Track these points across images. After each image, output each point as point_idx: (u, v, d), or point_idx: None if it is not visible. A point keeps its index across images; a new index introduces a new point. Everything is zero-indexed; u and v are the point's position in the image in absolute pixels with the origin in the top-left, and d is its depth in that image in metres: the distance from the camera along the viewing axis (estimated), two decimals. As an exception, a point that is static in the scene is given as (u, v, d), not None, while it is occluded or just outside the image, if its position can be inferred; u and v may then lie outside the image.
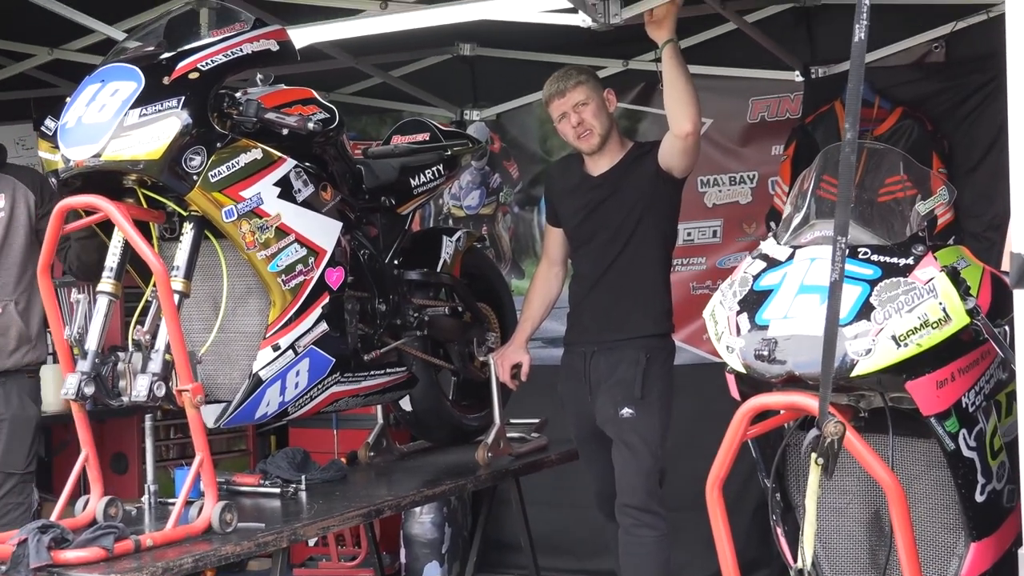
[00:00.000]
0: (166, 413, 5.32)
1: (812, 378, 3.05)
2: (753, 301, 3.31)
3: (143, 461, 5.79)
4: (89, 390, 3.52)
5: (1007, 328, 3.33)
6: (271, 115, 3.73)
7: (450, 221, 6.88)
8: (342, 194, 4.06)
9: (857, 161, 3.21)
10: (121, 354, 3.60)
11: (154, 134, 3.49)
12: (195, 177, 3.55)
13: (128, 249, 3.62)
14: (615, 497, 4.45)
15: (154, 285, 3.55)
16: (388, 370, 4.36)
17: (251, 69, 3.86)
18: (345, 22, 4.93)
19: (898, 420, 3.31)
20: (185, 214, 3.65)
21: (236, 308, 3.83)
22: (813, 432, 2.97)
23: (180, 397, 3.54)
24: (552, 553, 5.95)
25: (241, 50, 3.73)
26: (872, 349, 3.10)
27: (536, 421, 5.21)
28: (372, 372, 4.26)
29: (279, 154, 3.79)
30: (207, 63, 3.64)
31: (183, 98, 3.53)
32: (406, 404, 4.77)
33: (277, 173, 3.78)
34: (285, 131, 3.78)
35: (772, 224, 5.50)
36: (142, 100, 3.53)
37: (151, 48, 3.75)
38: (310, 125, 3.81)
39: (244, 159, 3.68)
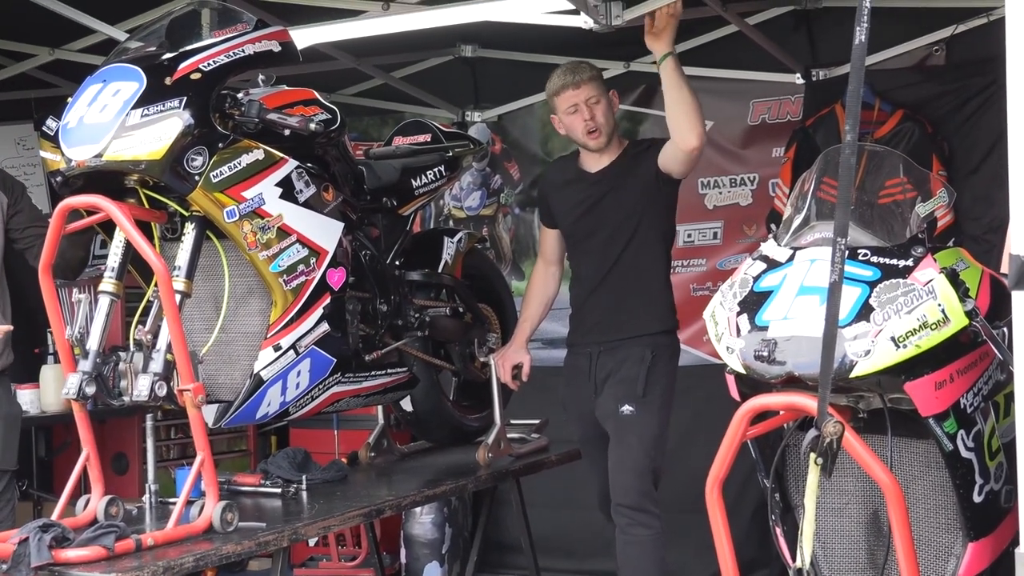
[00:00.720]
0: (167, 413, 5.33)
1: (811, 379, 3.06)
2: (753, 302, 3.32)
3: (143, 461, 5.82)
4: (90, 390, 3.53)
5: (1005, 330, 3.35)
6: (273, 116, 3.74)
7: (451, 222, 6.89)
8: (344, 195, 4.07)
9: (857, 163, 3.22)
10: (122, 354, 3.60)
11: (156, 134, 3.50)
12: (197, 177, 3.56)
13: (130, 249, 3.62)
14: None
15: (155, 285, 3.56)
16: (389, 370, 4.37)
17: (253, 70, 3.87)
18: (347, 23, 4.95)
19: (897, 421, 3.32)
20: (187, 214, 3.66)
21: (237, 308, 3.84)
22: (812, 432, 2.98)
23: (181, 397, 3.54)
24: (552, 554, 5.96)
25: (243, 51, 3.74)
26: (871, 350, 3.11)
27: (537, 422, 5.21)
28: (373, 372, 4.27)
29: (281, 155, 3.79)
30: (209, 64, 3.64)
31: (185, 98, 3.54)
32: (407, 404, 4.78)
33: (279, 174, 3.78)
34: (287, 132, 3.79)
35: (772, 226, 5.51)
36: (144, 100, 3.53)
37: (153, 48, 3.76)
38: (312, 126, 3.81)
39: (246, 159, 3.69)
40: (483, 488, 5.03)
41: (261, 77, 3.92)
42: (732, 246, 6.19)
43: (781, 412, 3.33)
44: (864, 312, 3.16)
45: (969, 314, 3.20)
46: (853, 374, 3.12)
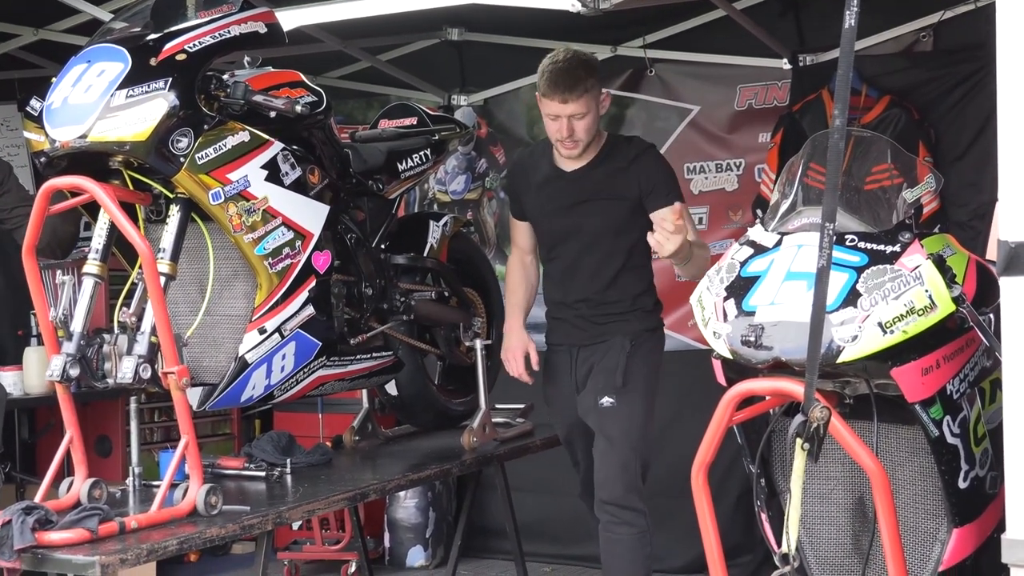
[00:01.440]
0: (150, 396, 5.33)
1: (798, 364, 3.06)
2: (740, 287, 3.32)
3: (127, 444, 5.80)
4: (74, 372, 3.52)
5: (992, 316, 3.35)
6: (259, 97, 3.72)
7: (435, 206, 6.88)
8: (329, 178, 4.06)
9: (844, 149, 3.22)
10: (107, 336, 3.59)
11: (141, 115, 3.48)
12: (182, 159, 3.54)
13: (114, 231, 3.60)
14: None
15: (140, 267, 3.54)
16: (374, 354, 4.36)
17: (239, 51, 3.85)
18: (333, 5, 4.93)
19: (883, 407, 3.33)
20: (172, 196, 3.64)
21: (222, 291, 3.83)
22: (799, 418, 2.98)
23: (166, 379, 3.53)
24: (536, 539, 5.97)
25: (229, 32, 3.72)
26: (858, 336, 3.11)
27: (522, 406, 5.21)
28: (358, 356, 4.26)
29: (266, 137, 3.78)
30: (194, 45, 3.62)
31: (170, 80, 3.52)
32: (392, 388, 4.77)
33: (264, 156, 3.77)
34: (273, 114, 3.77)
35: (759, 212, 5.52)
36: (129, 81, 3.51)
37: (138, 29, 3.73)
38: (298, 108, 3.80)
39: (231, 141, 3.67)
40: (468, 472, 5.03)
41: (247, 59, 3.89)
42: (717, 231, 6.18)
43: (767, 397, 3.33)
44: (851, 298, 3.16)
45: (956, 300, 3.20)
46: (840, 360, 3.12)
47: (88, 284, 3.59)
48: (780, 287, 3.24)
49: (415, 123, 4.72)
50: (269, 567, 3.74)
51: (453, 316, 4.88)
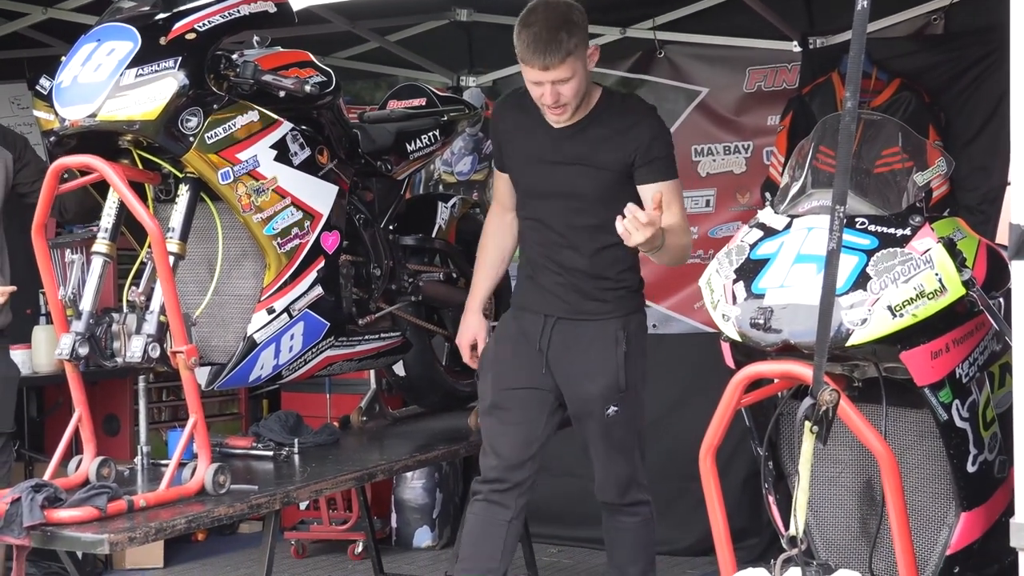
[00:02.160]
0: (158, 375, 5.34)
1: (807, 347, 3.05)
2: (750, 270, 3.31)
3: (135, 423, 5.82)
4: (83, 350, 3.52)
5: (1001, 300, 3.35)
6: (268, 77, 3.72)
7: (440, 187, 6.87)
8: (338, 158, 4.05)
9: (855, 131, 3.20)
10: (115, 315, 3.60)
11: (150, 95, 3.48)
12: (191, 138, 3.54)
13: (123, 210, 3.61)
14: (530, 463, 4.07)
15: (149, 246, 3.55)
16: (382, 335, 4.36)
17: (248, 31, 3.84)
18: (342, -15, 4.91)
19: (892, 390, 3.32)
20: (181, 176, 3.64)
21: (231, 271, 3.83)
22: (808, 401, 2.98)
23: (174, 359, 3.54)
24: (542, 520, 5.97)
25: (238, 11, 3.71)
26: (868, 319, 3.10)
27: (529, 388, 5.19)
28: (366, 337, 4.26)
29: (276, 117, 3.78)
30: (204, 24, 3.62)
31: (180, 59, 3.52)
32: (399, 369, 4.78)
33: (274, 136, 3.77)
34: (282, 93, 3.76)
35: (768, 195, 5.50)
36: (138, 60, 3.51)
37: (147, 8, 3.72)
38: (307, 88, 3.79)
39: (240, 121, 3.67)
40: (475, 453, 5.03)
41: (256, 38, 3.89)
42: (724, 214, 6.18)
43: (776, 380, 3.32)
44: (861, 281, 3.15)
45: (966, 284, 3.19)
46: (849, 343, 3.12)
47: (97, 263, 3.59)
48: (790, 270, 3.23)
49: (424, 104, 4.71)
50: (276, 547, 3.74)
51: (461, 297, 4.85)
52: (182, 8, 3.66)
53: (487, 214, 4.34)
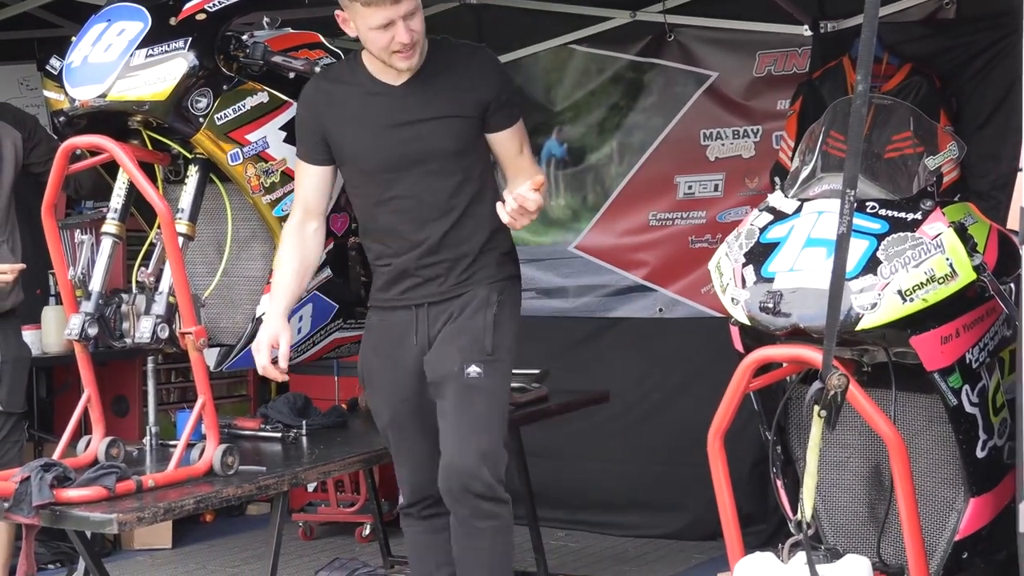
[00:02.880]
0: (167, 356, 5.35)
1: (817, 331, 3.05)
2: (759, 253, 3.31)
3: (144, 404, 5.81)
4: (93, 331, 3.53)
5: (1012, 285, 3.34)
6: (278, 58, 3.72)
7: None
8: (347, 140, 4.04)
9: (866, 115, 3.19)
10: (125, 296, 3.61)
11: (160, 75, 3.48)
12: (201, 119, 3.55)
13: (133, 191, 3.61)
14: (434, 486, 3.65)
15: (158, 227, 3.55)
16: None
17: (258, 12, 3.84)
18: (352, -33, 4.88)
19: (901, 375, 3.32)
20: (190, 156, 3.65)
21: (240, 252, 3.84)
22: (816, 385, 2.97)
23: (183, 340, 3.55)
24: (550, 504, 5.98)
25: (250, -8, 3.72)
26: (878, 303, 3.09)
27: (537, 372, 5.21)
28: (375, 319, 4.26)
29: (285, 98, 3.78)
30: (214, 4, 3.63)
31: (190, 39, 3.52)
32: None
33: (283, 117, 3.77)
34: (292, 75, 3.76)
35: (777, 180, 5.48)
36: (148, 40, 3.51)
37: (157, -12, 3.73)
38: (317, 69, 3.79)
39: (250, 102, 3.68)
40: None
41: (266, 19, 3.89)
42: (733, 198, 6.15)
43: (785, 364, 3.32)
44: (871, 265, 3.15)
45: (977, 269, 3.18)
46: (859, 327, 3.11)
47: (107, 244, 3.60)
48: (800, 253, 3.22)
49: (434, 86, 4.69)
50: (284, 528, 3.75)
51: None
52: (192, -11, 3.65)
53: (286, 224, 3.74)
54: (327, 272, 3.94)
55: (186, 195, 3.64)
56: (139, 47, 3.50)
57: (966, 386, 3.26)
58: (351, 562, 5.37)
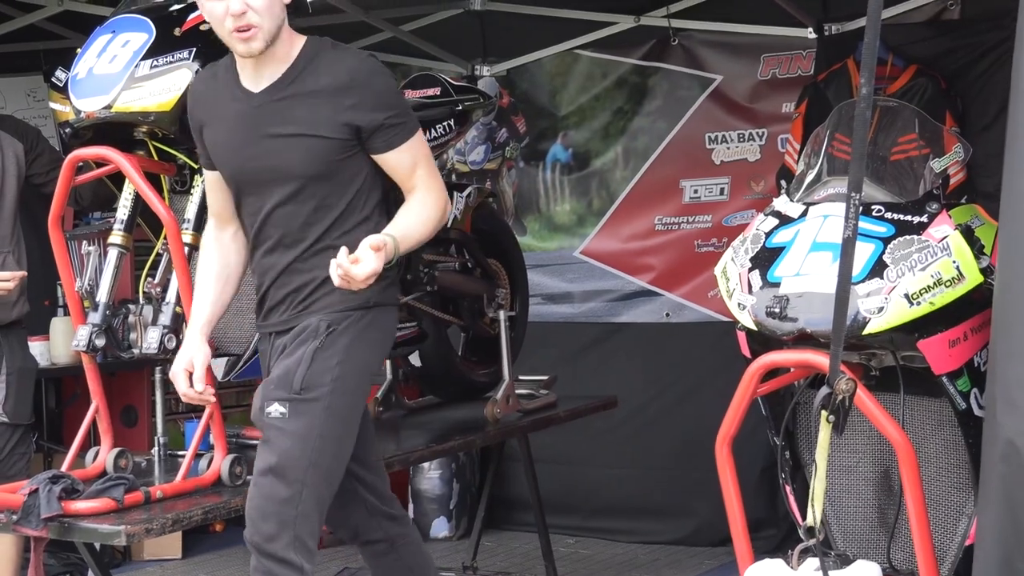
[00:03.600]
0: (175, 367, 5.34)
1: (824, 336, 3.04)
2: (765, 258, 3.30)
3: (152, 414, 5.80)
4: (100, 342, 3.54)
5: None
6: (282, 68, 3.70)
7: (453, 176, 6.87)
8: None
9: (871, 118, 3.19)
10: (132, 307, 3.61)
11: (165, 86, 3.48)
12: (206, 129, 3.53)
13: (139, 201, 3.62)
14: (353, 506, 3.41)
15: (165, 238, 3.55)
16: (398, 325, 4.35)
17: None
18: (356, -25, 4.90)
19: (909, 379, 3.31)
20: (196, 167, 3.64)
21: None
22: (824, 390, 2.97)
23: (191, 350, 3.53)
24: (560, 511, 5.98)
25: (252, 1, 3.71)
26: (884, 307, 3.09)
27: (545, 378, 5.21)
28: (382, 327, 4.25)
29: (290, 107, 3.76)
30: (218, 15, 3.61)
31: (194, 50, 3.52)
32: (415, 359, 4.77)
33: (288, 126, 3.75)
34: None
35: (783, 183, 5.48)
36: (153, 51, 3.51)
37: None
38: (321, 78, 3.78)
39: (255, 112, 3.66)
40: (491, 444, 5.03)
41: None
42: (738, 201, 6.16)
43: (792, 369, 3.31)
44: (878, 268, 3.14)
45: (984, 271, 3.18)
46: (866, 331, 3.10)
47: (113, 255, 3.61)
48: (805, 258, 3.22)
49: (438, 93, 4.69)
50: (294, 537, 3.74)
51: (477, 287, 4.87)
52: (196, -1, 3.66)
53: (204, 232, 3.51)
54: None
55: (192, 205, 3.64)
56: (144, 58, 3.50)
57: (975, 390, 3.25)
58: (360, 571, 5.36)
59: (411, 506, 6.59)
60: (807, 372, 3.31)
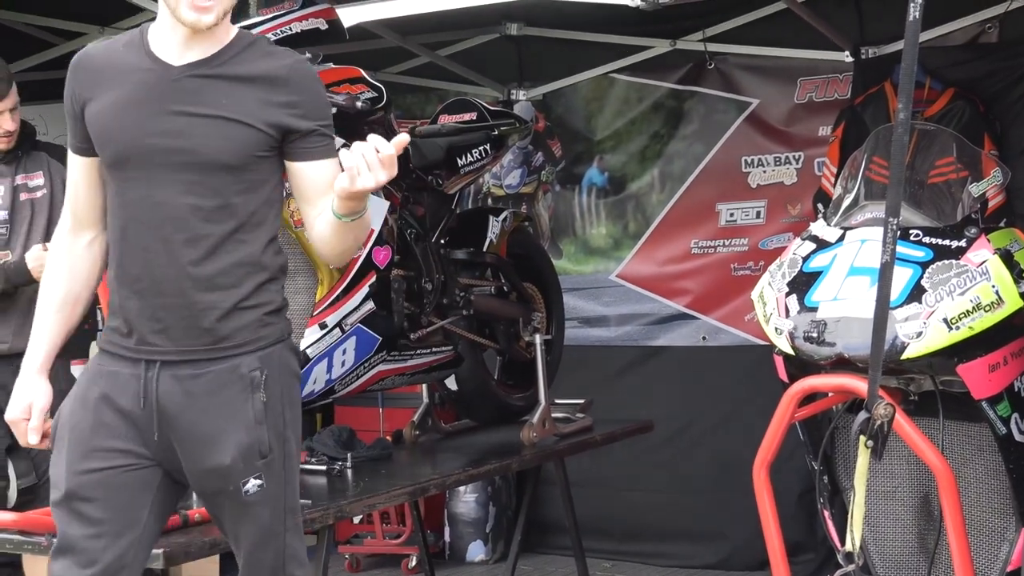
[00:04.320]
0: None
1: (862, 360, 3.03)
2: (802, 283, 3.30)
3: (190, 437, 5.84)
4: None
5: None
6: (319, 94, 3.72)
7: (489, 200, 6.88)
8: (389, 173, 4.05)
9: (908, 142, 3.18)
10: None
11: (203, 112, 3.48)
12: (243, 155, 3.53)
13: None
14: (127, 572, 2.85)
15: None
16: (434, 349, 4.36)
17: (300, 48, 3.86)
18: (393, 1, 4.94)
19: (948, 404, 3.29)
20: None
21: (287, 285, 3.84)
22: (863, 415, 2.96)
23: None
24: (596, 535, 5.96)
25: (290, 29, 3.74)
26: (923, 332, 3.08)
27: (581, 402, 5.20)
28: (418, 351, 4.26)
29: (328, 133, 3.78)
30: (256, 42, 3.62)
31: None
32: (451, 383, 4.78)
33: (325, 152, 3.76)
34: (333, 110, 3.77)
35: (820, 206, 5.47)
36: None
37: (201, 27, 3.74)
38: (359, 104, 3.81)
39: (293, 138, 3.66)
40: (527, 468, 5.03)
41: (307, 55, 3.91)
42: (775, 225, 6.14)
43: (830, 394, 3.30)
44: (916, 293, 3.13)
45: (1024, 296, 3.16)
46: (904, 356, 3.09)
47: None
48: (843, 282, 3.21)
49: (474, 118, 4.71)
50: (330, 561, 3.75)
51: (513, 311, 4.87)
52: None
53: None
54: (370, 305, 3.95)
55: None
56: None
57: (1015, 414, 3.23)
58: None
59: (447, 529, 6.59)
60: (845, 397, 3.30)
